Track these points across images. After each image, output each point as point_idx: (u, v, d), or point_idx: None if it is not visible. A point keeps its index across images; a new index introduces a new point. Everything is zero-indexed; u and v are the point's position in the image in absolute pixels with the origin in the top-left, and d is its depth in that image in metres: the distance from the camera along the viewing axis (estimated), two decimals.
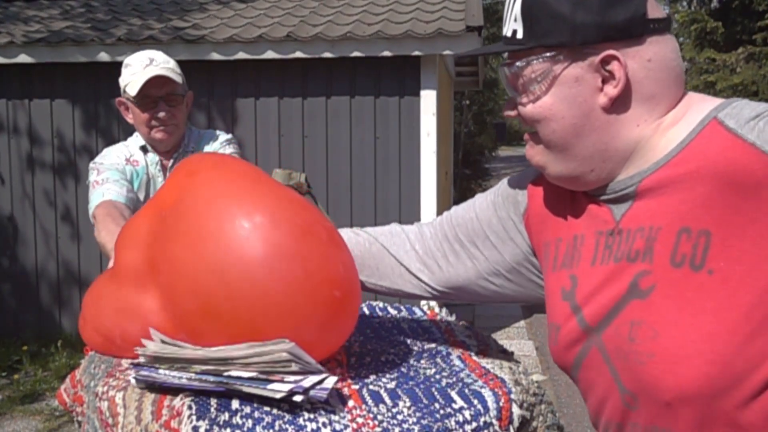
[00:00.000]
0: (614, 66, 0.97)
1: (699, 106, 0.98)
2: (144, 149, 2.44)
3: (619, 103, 0.98)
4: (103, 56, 5.71)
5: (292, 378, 1.06)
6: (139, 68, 2.31)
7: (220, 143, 2.45)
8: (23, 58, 5.83)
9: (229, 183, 1.15)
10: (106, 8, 6.51)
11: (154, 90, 2.31)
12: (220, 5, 6.51)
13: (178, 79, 2.34)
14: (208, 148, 2.43)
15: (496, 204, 1.20)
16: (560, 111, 1.00)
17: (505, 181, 1.22)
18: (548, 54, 0.99)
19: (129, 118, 2.41)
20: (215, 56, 5.70)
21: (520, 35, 1.02)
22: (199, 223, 1.11)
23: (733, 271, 0.89)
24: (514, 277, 1.19)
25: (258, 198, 1.12)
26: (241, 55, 5.67)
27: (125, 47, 5.65)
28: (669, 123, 0.99)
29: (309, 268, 1.08)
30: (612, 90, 0.98)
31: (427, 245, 1.25)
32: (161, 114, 2.33)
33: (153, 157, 2.43)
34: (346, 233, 1.29)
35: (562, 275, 1.08)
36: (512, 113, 1.08)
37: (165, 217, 1.19)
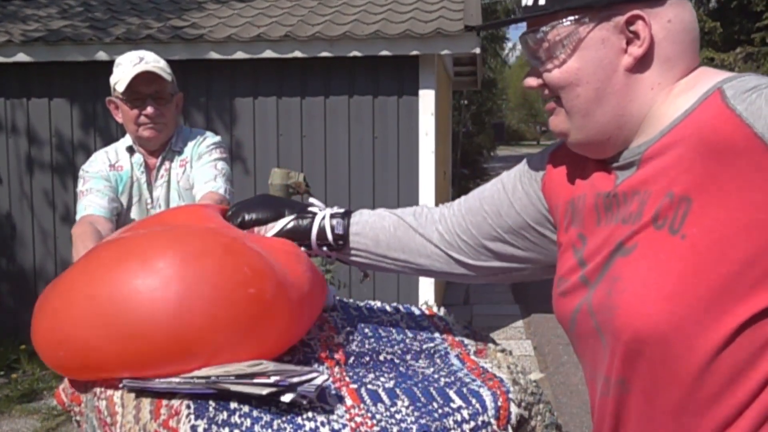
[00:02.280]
0: (639, 26, 0.99)
1: (710, 77, 1.00)
2: (131, 150, 2.44)
3: (640, 64, 1.01)
4: (102, 55, 5.71)
5: (278, 376, 1.06)
6: (129, 66, 2.32)
7: (206, 147, 2.43)
8: (21, 57, 5.83)
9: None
10: (104, 7, 6.51)
11: (143, 87, 2.32)
12: (218, 4, 6.51)
13: (167, 77, 2.35)
14: (193, 149, 2.42)
15: (522, 173, 1.24)
16: (585, 75, 1.02)
17: (530, 156, 1.27)
18: (573, 17, 1.01)
19: (118, 117, 2.42)
20: (214, 55, 5.69)
21: (542, 1, 1.03)
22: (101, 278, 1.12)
23: (704, 239, 0.91)
24: (535, 238, 1.22)
25: (150, 242, 1.14)
26: (240, 55, 5.67)
27: (124, 46, 5.64)
28: (679, 91, 1.00)
29: (212, 282, 1.09)
30: (637, 50, 1.00)
31: (454, 221, 1.28)
32: (149, 111, 2.33)
33: (138, 158, 2.43)
34: (370, 218, 1.33)
35: (572, 234, 1.12)
36: (535, 83, 1.09)
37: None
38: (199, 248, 1.14)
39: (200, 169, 2.37)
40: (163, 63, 2.38)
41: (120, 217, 2.39)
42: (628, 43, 1.00)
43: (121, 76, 2.32)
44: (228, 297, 1.10)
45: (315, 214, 1.33)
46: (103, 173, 2.39)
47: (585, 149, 1.08)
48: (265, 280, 1.15)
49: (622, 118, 1.02)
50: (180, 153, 2.43)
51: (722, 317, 0.90)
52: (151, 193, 2.44)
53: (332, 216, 1.32)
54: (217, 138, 2.50)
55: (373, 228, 1.32)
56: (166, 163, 2.43)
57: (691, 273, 0.91)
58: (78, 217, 2.30)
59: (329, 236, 1.31)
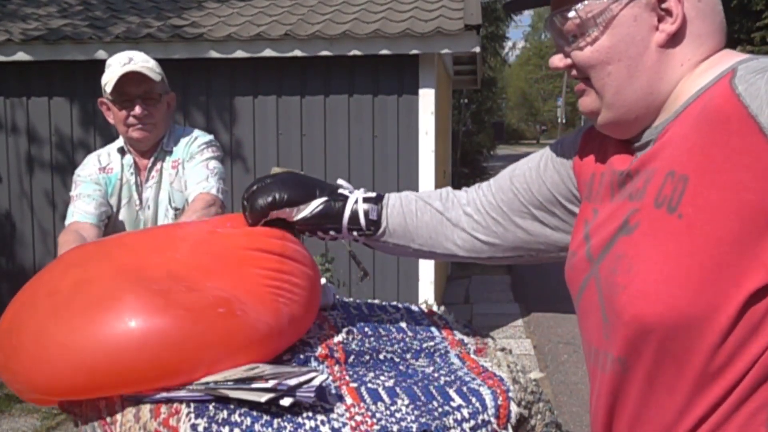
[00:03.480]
0: (671, 3, 1.00)
1: (732, 58, 1.01)
2: (122, 151, 2.43)
3: (672, 41, 1.02)
4: (102, 54, 5.70)
5: (276, 380, 1.06)
6: (118, 67, 2.31)
7: (198, 146, 2.40)
8: (21, 56, 5.83)
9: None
10: (104, 6, 6.50)
11: (132, 88, 2.31)
12: (218, 3, 6.50)
13: (156, 77, 2.33)
14: (184, 150, 2.40)
15: (554, 150, 1.25)
16: (617, 53, 1.02)
17: (564, 135, 1.26)
18: None
19: (110, 118, 2.41)
20: (213, 54, 5.69)
21: None
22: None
23: (698, 218, 0.92)
24: (564, 215, 1.24)
25: (115, 292, 1.13)
26: (240, 54, 5.67)
27: (123, 45, 5.64)
28: (701, 70, 1.02)
29: (178, 318, 1.10)
30: (670, 27, 1.00)
31: (484, 200, 1.29)
32: (137, 111, 2.32)
33: (129, 160, 2.42)
34: (400, 203, 1.32)
35: (587, 208, 1.14)
36: (562, 63, 1.09)
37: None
38: (165, 288, 1.13)
39: (192, 170, 2.35)
40: (152, 63, 2.37)
41: (110, 220, 2.39)
42: (659, 20, 1.01)
43: (109, 77, 2.31)
44: (199, 326, 1.10)
45: (346, 197, 1.30)
46: (94, 177, 2.39)
47: (613, 129, 1.08)
48: (234, 302, 1.15)
49: (650, 96, 1.03)
50: (172, 153, 2.42)
51: (716, 299, 0.91)
52: (140, 194, 2.42)
53: (365, 200, 1.30)
54: (209, 137, 2.48)
55: (404, 214, 1.31)
56: (158, 164, 2.42)
57: (686, 253, 0.93)
58: (66, 222, 2.33)
59: (362, 222, 1.29)
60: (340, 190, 1.32)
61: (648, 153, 1.03)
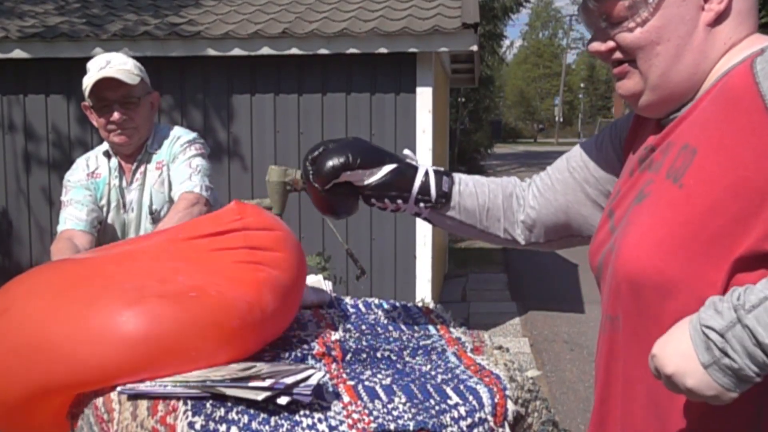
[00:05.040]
0: None
1: (763, 41, 1.03)
2: (108, 155, 2.41)
3: (717, 20, 1.03)
4: (99, 52, 5.69)
5: (272, 379, 1.06)
6: (95, 71, 2.27)
7: (180, 146, 2.37)
8: (18, 54, 5.82)
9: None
10: (101, 3, 6.49)
11: (108, 93, 2.27)
12: (215, 1, 6.49)
13: (133, 80, 2.28)
14: (167, 151, 2.38)
15: (611, 131, 1.27)
16: (667, 32, 1.03)
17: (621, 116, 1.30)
18: None
19: (94, 122, 2.39)
20: (211, 52, 5.68)
21: None
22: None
23: (695, 190, 0.95)
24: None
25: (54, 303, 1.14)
26: (237, 52, 5.66)
27: (121, 43, 5.63)
28: (738, 50, 1.03)
29: (155, 305, 1.11)
30: (717, 5, 1.02)
31: (540, 183, 1.32)
32: (115, 117, 2.28)
33: (114, 163, 2.41)
34: (469, 180, 1.33)
35: (617, 184, 1.17)
36: (604, 47, 1.09)
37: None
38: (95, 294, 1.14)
39: (176, 170, 2.33)
40: (131, 64, 2.32)
41: (102, 225, 2.38)
42: (706, 0, 1.02)
43: (87, 82, 2.28)
44: (175, 304, 1.11)
45: (416, 167, 1.29)
46: (83, 182, 2.38)
47: (653, 110, 1.09)
48: (208, 285, 1.16)
49: (695, 76, 1.04)
50: (157, 155, 2.39)
51: (704, 268, 0.93)
52: (124, 197, 2.40)
53: (435, 172, 1.29)
54: (191, 135, 2.43)
55: (476, 194, 1.32)
56: (142, 167, 2.39)
57: (681, 222, 0.95)
58: (58, 229, 2.33)
59: (433, 192, 1.28)
60: (408, 160, 1.30)
61: (669, 127, 1.05)
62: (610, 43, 1.08)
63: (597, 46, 1.09)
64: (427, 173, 1.28)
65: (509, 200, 1.33)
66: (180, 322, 1.10)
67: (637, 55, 1.06)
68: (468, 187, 1.32)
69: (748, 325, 0.82)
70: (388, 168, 1.26)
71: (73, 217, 2.32)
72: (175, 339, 1.09)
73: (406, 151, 1.33)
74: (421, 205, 1.29)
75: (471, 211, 1.31)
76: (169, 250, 1.27)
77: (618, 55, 1.08)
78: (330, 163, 1.23)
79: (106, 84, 2.25)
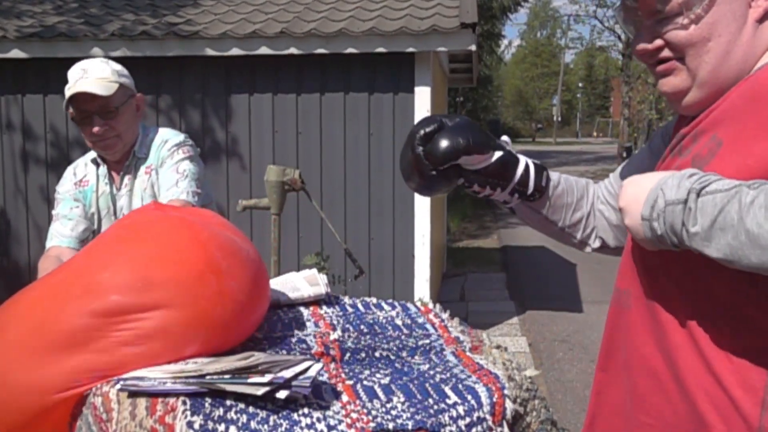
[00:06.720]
0: None
1: None
2: (96, 162, 2.40)
3: (766, 15, 1.04)
4: (97, 51, 5.69)
5: (271, 373, 1.06)
6: (72, 83, 2.22)
7: (168, 150, 2.32)
8: (16, 53, 5.81)
9: None
10: (99, 3, 6.48)
11: (86, 105, 2.23)
12: (214, 1, 6.49)
13: (109, 90, 2.21)
14: (155, 155, 2.34)
15: (663, 131, 1.29)
16: (719, 28, 1.04)
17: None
18: None
19: (80, 132, 2.36)
20: (209, 52, 5.68)
21: None
22: None
23: None
24: None
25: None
26: (235, 51, 5.66)
27: (119, 42, 5.63)
28: None
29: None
30: (765, 1, 1.03)
31: (603, 186, 1.37)
32: (95, 130, 2.24)
33: (103, 170, 2.38)
34: (561, 178, 1.35)
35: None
36: (652, 46, 1.09)
37: None
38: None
39: (164, 176, 2.29)
40: (108, 72, 2.25)
41: (93, 234, 2.36)
42: None
43: (66, 95, 2.23)
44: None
45: (518, 157, 1.28)
46: (71, 192, 2.37)
47: (697, 107, 1.09)
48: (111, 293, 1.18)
49: (742, 73, 1.04)
50: (145, 159, 2.35)
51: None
52: (115, 203, 2.38)
53: (535, 165, 1.29)
54: (180, 137, 2.38)
55: (565, 192, 1.34)
56: (131, 172, 2.36)
57: None
58: (47, 245, 2.31)
59: (531, 185, 1.27)
60: (509, 148, 1.28)
61: (701, 116, 1.06)
62: (658, 42, 1.08)
63: (644, 45, 1.09)
64: (527, 166, 1.27)
65: (592, 206, 1.37)
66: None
67: (687, 51, 1.06)
68: (561, 186, 1.33)
69: (690, 208, 0.90)
70: (497, 155, 1.24)
71: (58, 233, 2.32)
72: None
73: (505, 138, 1.31)
74: (516, 195, 1.28)
75: (559, 209, 1.33)
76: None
77: (666, 53, 1.08)
78: (450, 144, 1.19)
79: (82, 97, 2.21)
